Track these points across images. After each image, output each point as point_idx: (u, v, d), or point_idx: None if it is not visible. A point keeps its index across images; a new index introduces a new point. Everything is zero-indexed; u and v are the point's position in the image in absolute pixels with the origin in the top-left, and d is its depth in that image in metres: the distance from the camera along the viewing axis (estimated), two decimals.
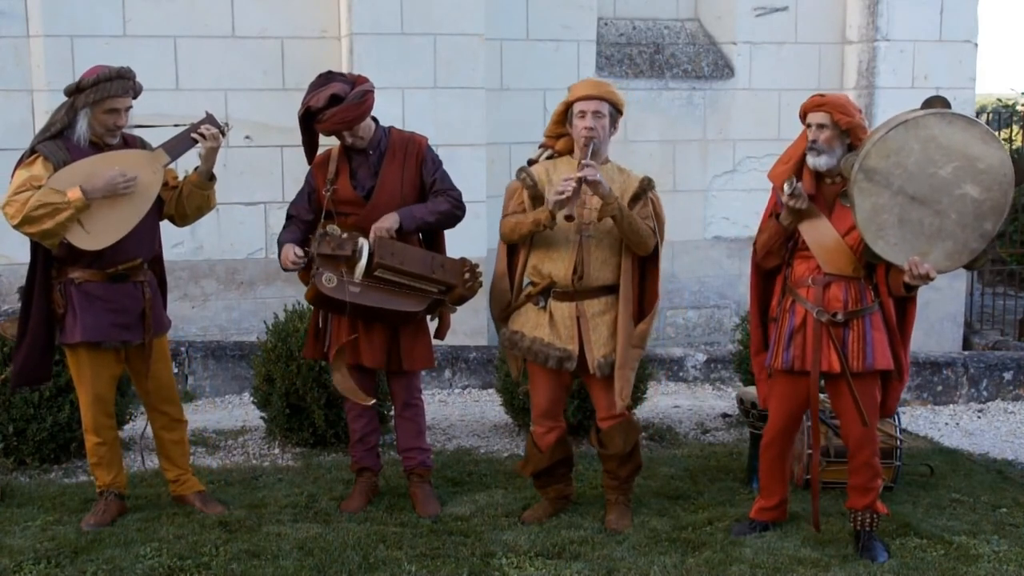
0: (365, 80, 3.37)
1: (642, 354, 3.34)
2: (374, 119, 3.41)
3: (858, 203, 2.95)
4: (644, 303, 3.33)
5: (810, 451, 3.44)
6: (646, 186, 3.28)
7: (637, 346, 3.29)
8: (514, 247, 3.36)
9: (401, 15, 5.45)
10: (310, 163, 3.46)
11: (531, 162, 3.39)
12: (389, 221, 3.32)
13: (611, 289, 3.28)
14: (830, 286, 3.13)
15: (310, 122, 3.33)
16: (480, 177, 5.60)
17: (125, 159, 3.22)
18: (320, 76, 3.39)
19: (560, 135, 3.34)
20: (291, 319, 4.32)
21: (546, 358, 3.26)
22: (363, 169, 3.40)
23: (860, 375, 3.13)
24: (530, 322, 3.31)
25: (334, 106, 3.25)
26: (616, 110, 3.27)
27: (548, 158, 3.37)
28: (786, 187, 3.06)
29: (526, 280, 3.36)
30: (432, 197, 3.43)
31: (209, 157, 3.30)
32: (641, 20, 6.60)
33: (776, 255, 3.22)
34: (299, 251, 3.33)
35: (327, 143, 3.47)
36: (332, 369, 3.41)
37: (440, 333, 3.55)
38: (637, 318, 3.30)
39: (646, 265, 3.33)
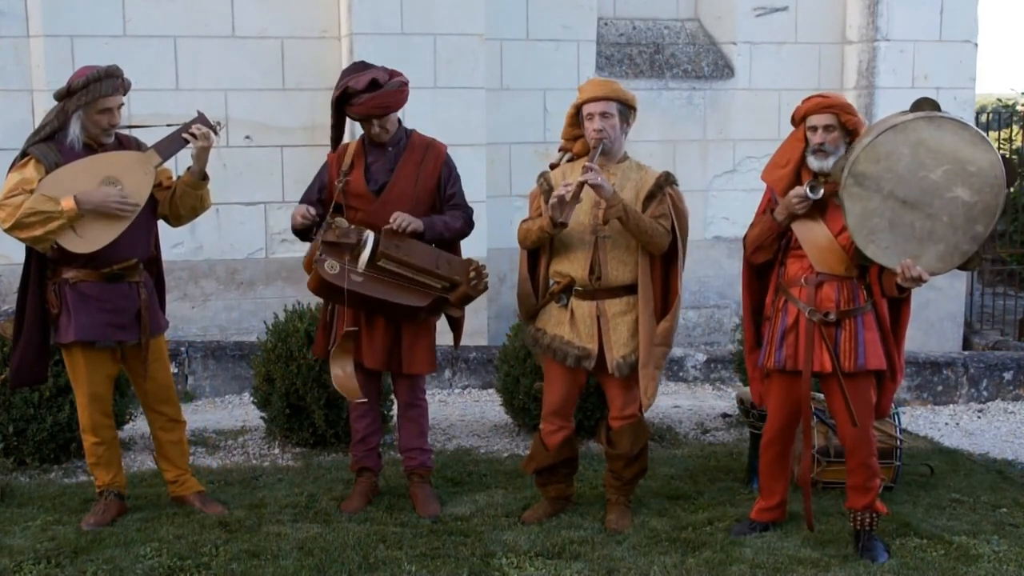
0: (400, 73, 3.40)
1: (668, 352, 3.32)
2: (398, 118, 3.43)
3: (848, 207, 2.96)
4: (667, 301, 3.32)
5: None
6: (663, 183, 3.27)
7: (661, 344, 3.27)
8: (536, 250, 3.36)
9: (401, 15, 5.45)
10: (335, 150, 3.45)
11: (553, 167, 3.41)
12: (415, 222, 3.31)
13: (632, 289, 3.28)
14: (822, 286, 3.14)
15: (343, 105, 3.33)
16: (480, 177, 5.60)
17: (116, 161, 3.20)
18: (355, 64, 3.42)
19: (576, 137, 3.35)
20: (291, 319, 4.31)
21: (565, 356, 3.27)
22: (378, 164, 3.41)
23: (852, 375, 3.13)
24: (552, 320, 3.32)
25: (373, 91, 3.27)
26: (626, 107, 3.27)
27: (568, 161, 3.39)
28: (810, 192, 3.04)
29: (550, 282, 3.37)
30: (449, 210, 3.44)
31: (201, 157, 3.29)
32: (641, 20, 6.61)
33: (766, 251, 3.22)
34: (311, 210, 3.32)
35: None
36: (331, 363, 3.37)
37: (456, 340, 3.56)
38: (660, 315, 3.29)
39: (668, 262, 3.32)
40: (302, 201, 3.47)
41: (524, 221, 3.33)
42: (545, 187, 3.31)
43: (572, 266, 3.26)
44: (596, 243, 3.23)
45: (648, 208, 3.24)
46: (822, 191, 3.06)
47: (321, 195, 3.44)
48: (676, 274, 3.31)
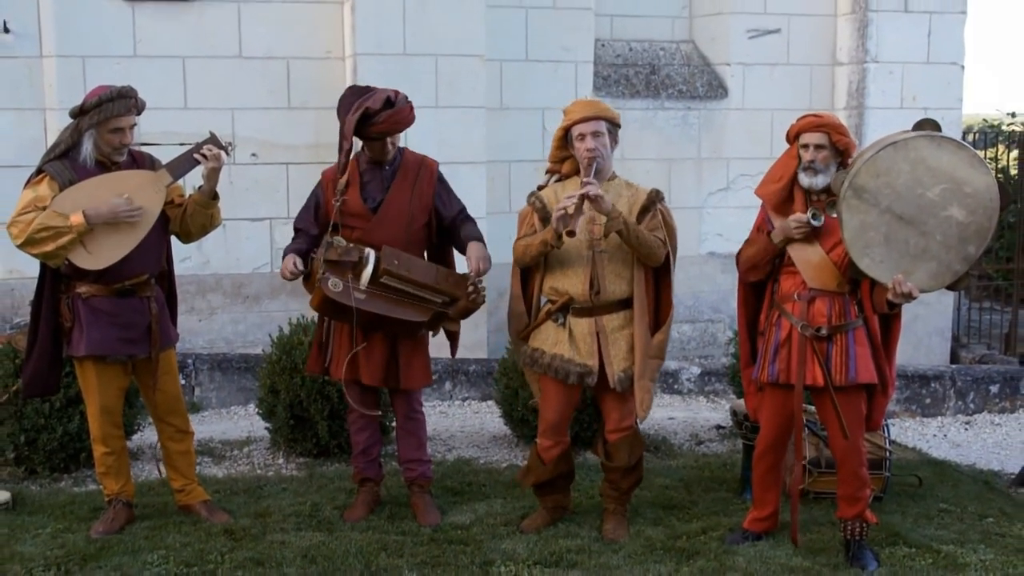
0: (399, 92, 3.45)
1: (661, 364, 3.36)
2: None
3: (846, 220, 3.00)
4: (660, 314, 3.38)
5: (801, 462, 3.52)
6: (654, 198, 3.33)
7: (655, 356, 3.32)
8: (528, 268, 3.39)
9: (404, 36, 5.55)
10: (343, 173, 3.43)
11: (540, 188, 3.45)
12: (486, 257, 3.40)
13: (628, 303, 3.32)
14: (815, 301, 3.19)
15: (361, 126, 3.36)
16: (480, 194, 5.66)
17: (128, 179, 3.25)
18: (355, 88, 3.47)
19: (564, 158, 3.40)
20: (295, 332, 4.37)
21: (567, 374, 3.29)
22: (374, 183, 3.46)
23: (843, 389, 3.18)
24: (550, 339, 3.34)
25: (389, 108, 3.34)
26: (614, 126, 3.34)
27: (556, 181, 3.43)
28: (812, 220, 3.10)
29: (543, 300, 3.40)
30: (463, 223, 3.52)
31: (211, 177, 3.33)
32: (637, 42, 6.73)
33: (760, 270, 3.28)
34: (300, 262, 3.36)
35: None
36: (345, 385, 3.43)
37: (452, 350, 3.61)
38: (653, 329, 3.34)
39: (660, 276, 3.38)
40: (298, 223, 3.50)
41: (519, 239, 3.36)
42: (538, 205, 3.34)
43: (571, 282, 3.30)
44: (593, 258, 3.27)
45: (642, 222, 3.29)
46: (823, 219, 3.11)
47: (317, 213, 3.47)
48: (669, 287, 3.37)
